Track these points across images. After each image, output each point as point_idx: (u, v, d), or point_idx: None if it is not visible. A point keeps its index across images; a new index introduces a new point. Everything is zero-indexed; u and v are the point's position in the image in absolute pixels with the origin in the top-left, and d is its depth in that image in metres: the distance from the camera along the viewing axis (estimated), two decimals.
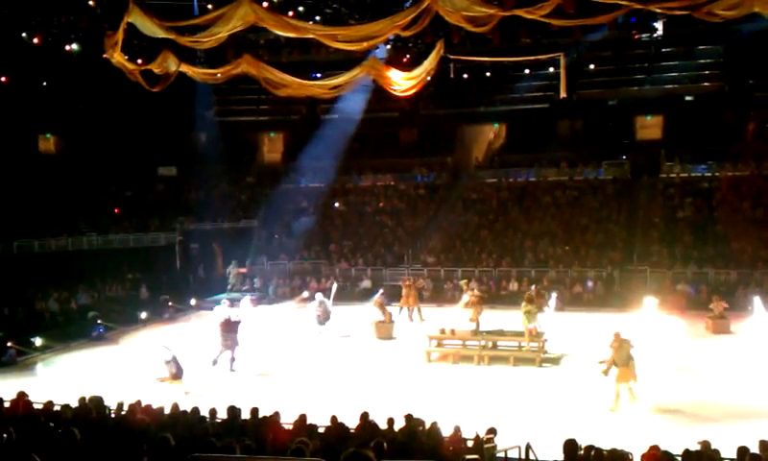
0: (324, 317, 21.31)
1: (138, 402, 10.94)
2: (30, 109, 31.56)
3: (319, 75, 25.35)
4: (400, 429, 9.90)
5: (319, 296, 22.10)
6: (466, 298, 20.43)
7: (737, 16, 14.37)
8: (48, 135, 36.14)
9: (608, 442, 9.44)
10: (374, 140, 37.10)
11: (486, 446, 9.58)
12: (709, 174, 31.60)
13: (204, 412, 10.59)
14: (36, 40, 24.03)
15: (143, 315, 24.62)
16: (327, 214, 33.96)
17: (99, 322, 22.66)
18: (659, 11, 19.05)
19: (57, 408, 10.42)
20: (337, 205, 34.72)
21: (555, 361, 18.12)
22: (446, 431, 9.97)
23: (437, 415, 10.83)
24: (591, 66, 34.68)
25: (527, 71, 32.42)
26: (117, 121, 33.76)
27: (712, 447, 9.28)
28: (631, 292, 24.66)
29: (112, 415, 10.61)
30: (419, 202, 34.17)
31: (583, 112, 35.14)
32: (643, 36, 29.34)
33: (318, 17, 22.87)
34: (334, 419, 10.18)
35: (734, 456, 8.80)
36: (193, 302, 26.63)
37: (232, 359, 17.62)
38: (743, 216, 28.41)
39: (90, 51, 23.86)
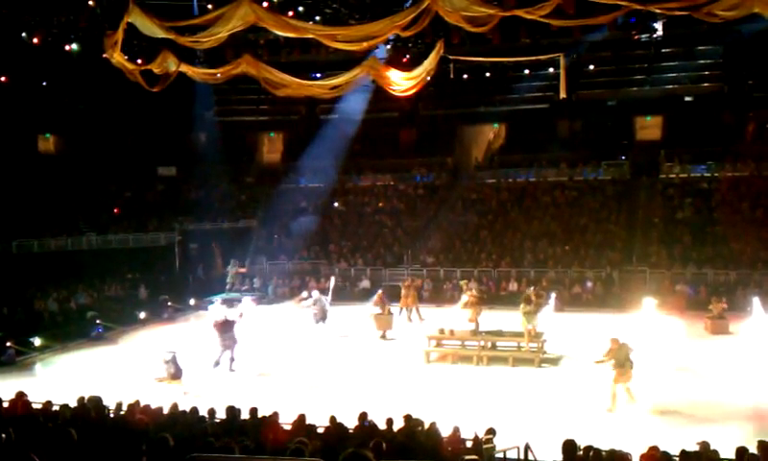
0: (321, 315, 21.28)
1: (137, 402, 10.95)
2: (29, 109, 31.60)
3: (318, 75, 25.33)
4: (399, 430, 9.90)
5: (315, 294, 22.10)
6: (465, 298, 20.45)
7: (737, 17, 14.36)
8: (48, 135, 36.17)
9: (607, 442, 9.46)
10: (374, 140, 37.13)
11: (485, 446, 9.58)
12: (709, 174, 31.57)
13: (203, 412, 10.60)
14: (35, 40, 24.05)
15: (142, 315, 24.62)
16: (327, 214, 33.95)
17: (98, 322, 22.63)
18: (658, 11, 19.04)
19: (56, 408, 10.42)
20: (336, 205, 34.71)
21: (554, 362, 18.12)
22: (445, 432, 9.96)
23: (436, 415, 10.82)
24: (591, 67, 34.68)
25: (527, 71, 32.45)
26: (117, 121, 33.79)
27: (711, 447, 9.29)
28: (630, 292, 24.67)
29: (111, 415, 10.60)
30: (418, 202, 34.16)
31: (582, 113, 35.16)
32: (643, 36, 29.35)
33: (318, 17, 22.91)
34: (333, 419, 10.18)
35: (733, 457, 8.81)
36: (192, 302, 26.62)
37: (232, 359, 17.61)
38: (742, 217, 28.40)
39: (90, 51, 23.89)
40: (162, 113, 31.95)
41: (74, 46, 25.14)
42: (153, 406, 10.94)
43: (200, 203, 33.74)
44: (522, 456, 10.32)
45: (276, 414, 10.25)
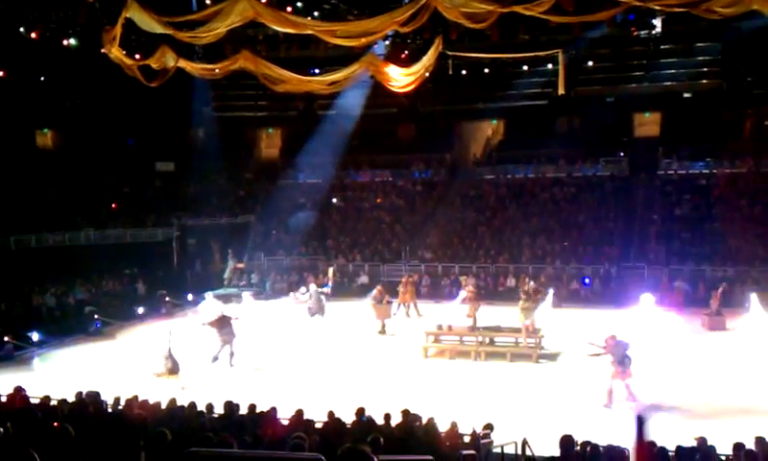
0: (317, 309, 21.26)
1: (135, 397, 10.96)
2: (27, 105, 31.52)
3: (317, 71, 25.34)
4: (397, 425, 9.91)
5: (312, 288, 22.12)
6: (463, 293, 20.48)
7: (736, 14, 14.40)
8: (45, 131, 36.13)
9: (604, 438, 9.48)
10: (372, 136, 37.01)
11: (482, 441, 9.61)
12: (707, 171, 31.60)
13: (202, 407, 10.60)
14: (33, 35, 23.93)
15: (140, 310, 24.61)
16: (325, 210, 33.93)
17: (96, 317, 22.63)
18: (657, 8, 19.01)
19: (54, 403, 10.42)
20: (335, 200, 34.68)
21: (552, 357, 18.17)
22: (443, 427, 9.99)
23: (434, 410, 10.83)
24: (590, 63, 34.57)
25: (525, 68, 32.33)
26: (115, 116, 33.71)
27: (708, 443, 9.31)
28: (628, 289, 24.70)
29: (109, 410, 10.62)
30: (416, 198, 34.16)
31: (581, 109, 35.07)
32: (642, 33, 29.26)
33: (316, 13, 22.82)
34: (331, 414, 10.20)
35: (730, 452, 8.83)
36: (190, 297, 26.61)
37: (231, 354, 17.60)
38: (740, 213, 28.44)
39: (88, 46, 23.77)
40: (160, 109, 31.86)
41: (72, 41, 25.01)
42: (151, 401, 10.95)
43: (198, 198, 33.66)
44: (520, 451, 10.32)
45: (273, 409, 10.27)
